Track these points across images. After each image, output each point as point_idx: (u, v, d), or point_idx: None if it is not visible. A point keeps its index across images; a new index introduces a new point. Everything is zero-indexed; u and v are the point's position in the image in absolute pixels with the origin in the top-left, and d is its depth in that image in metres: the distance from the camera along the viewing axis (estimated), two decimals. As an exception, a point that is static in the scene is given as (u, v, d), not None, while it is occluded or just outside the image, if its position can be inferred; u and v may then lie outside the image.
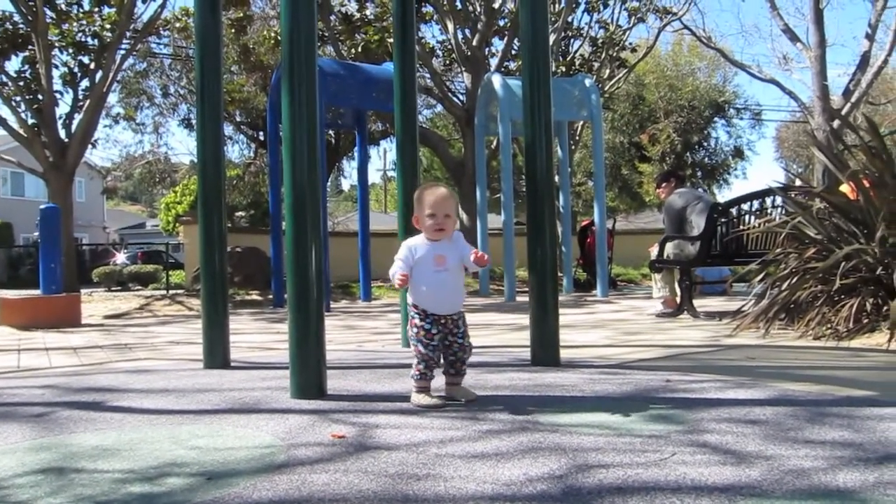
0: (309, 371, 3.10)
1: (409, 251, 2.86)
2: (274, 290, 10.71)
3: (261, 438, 2.39)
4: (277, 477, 1.96)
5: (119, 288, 18.65)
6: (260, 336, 6.38)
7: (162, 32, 19.52)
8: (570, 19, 18.20)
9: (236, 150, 26.51)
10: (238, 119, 22.55)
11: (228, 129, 23.16)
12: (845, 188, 5.57)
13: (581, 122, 18.45)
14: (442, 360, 2.89)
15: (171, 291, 13.74)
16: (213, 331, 4.09)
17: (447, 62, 19.16)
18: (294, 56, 3.18)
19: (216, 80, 4.18)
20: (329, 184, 30.20)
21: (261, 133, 21.69)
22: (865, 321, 4.91)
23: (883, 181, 5.01)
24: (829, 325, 4.98)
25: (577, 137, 19.80)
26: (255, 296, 11.90)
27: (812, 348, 4.58)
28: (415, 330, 2.84)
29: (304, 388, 3.07)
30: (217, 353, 4.07)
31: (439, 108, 23.30)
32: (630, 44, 20.56)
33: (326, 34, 14.94)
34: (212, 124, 4.14)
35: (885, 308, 4.83)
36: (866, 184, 5.13)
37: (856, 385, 3.18)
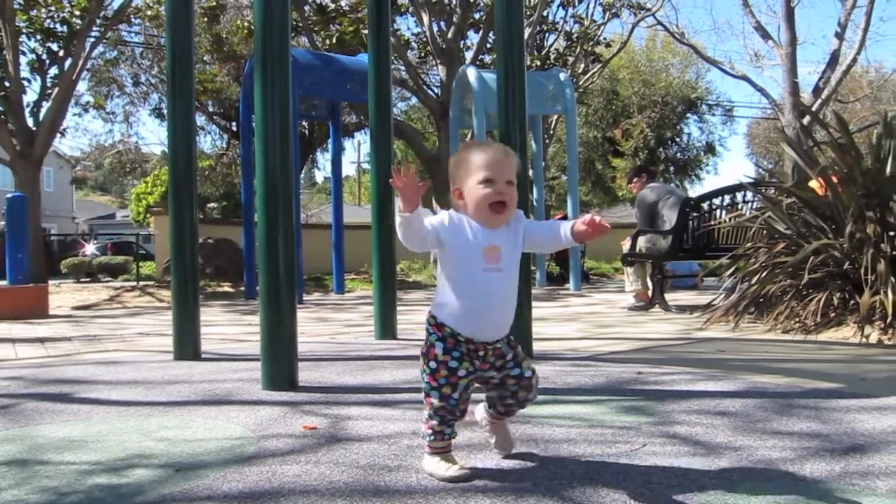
0: (280, 363, 3.08)
1: (449, 225, 1.87)
2: (246, 281, 10.63)
3: (231, 430, 2.37)
4: (247, 468, 1.94)
5: (88, 279, 18.38)
6: (231, 328, 6.33)
7: (133, 20, 19.22)
8: (545, 13, 18.24)
9: (209, 141, 26.27)
10: (211, 109, 22.32)
11: (201, 120, 22.93)
12: (815, 184, 5.64)
13: (555, 117, 18.50)
14: (491, 399, 2.00)
15: (141, 283, 13.57)
16: (184, 322, 4.05)
17: (422, 55, 19.10)
18: (267, 46, 3.15)
19: (188, 69, 4.13)
20: (302, 176, 30.05)
21: (233, 124, 21.49)
22: (833, 315, 4.99)
23: (851, 177, 5.08)
24: (797, 319, 5.05)
25: (552, 131, 19.87)
26: (226, 287, 11.80)
27: (781, 341, 4.64)
28: (431, 366, 1.86)
29: (275, 379, 3.06)
30: (187, 345, 4.04)
31: (414, 100, 23.24)
32: (604, 39, 20.64)
33: (301, 24, 14.83)
34: (183, 114, 4.09)
35: (852, 302, 4.90)
36: (835, 180, 5.20)
37: (823, 378, 3.23)
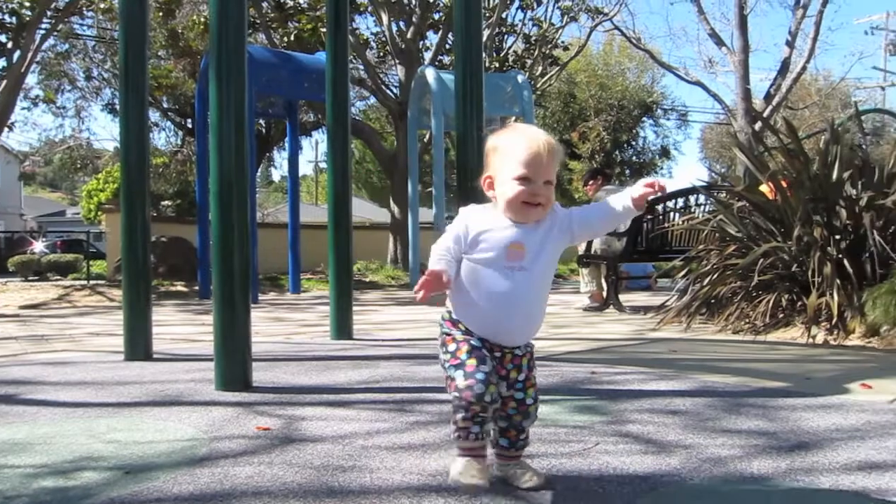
0: (234, 363, 3.05)
1: (465, 229, 1.72)
2: (200, 281, 10.48)
3: (183, 431, 2.33)
4: (199, 470, 1.92)
5: (36, 277, 17.95)
6: (184, 327, 6.24)
7: (85, 13, 18.81)
8: (504, 15, 18.32)
9: (163, 138, 25.81)
10: (165, 105, 21.95)
11: (155, 116, 22.54)
12: (765, 188, 5.77)
13: (513, 118, 18.60)
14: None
15: (91, 281, 13.28)
16: (135, 321, 3.98)
17: (381, 54, 19.03)
18: (223, 42, 3.11)
19: (142, 64, 4.06)
20: (259, 174, 29.71)
21: (189, 120, 21.17)
22: (781, 316, 5.10)
23: (800, 182, 5.20)
24: (747, 320, 5.15)
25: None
26: (180, 287, 11.61)
27: (731, 342, 4.74)
28: (450, 348, 1.72)
29: (229, 380, 3.02)
30: (139, 345, 3.96)
31: (372, 100, 23.15)
32: (562, 42, 20.83)
33: (258, 21, 14.66)
34: (136, 110, 4.02)
35: (800, 304, 5.02)
36: (784, 184, 5.32)
37: (771, 377, 3.31)
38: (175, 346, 4.68)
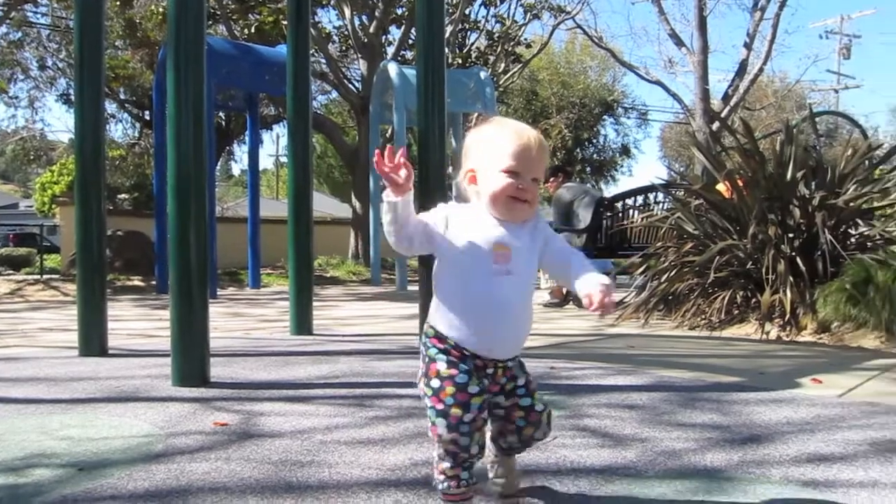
0: (192, 358, 3.02)
1: (444, 218, 1.58)
2: (157, 275, 10.32)
3: (138, 427, 2.30)
4: (155, 466, 1.90)
5: (-13, 272, 17.52)
6: (141, 323, 6.14)
7: (39, 1, 18.39)
8: (467, 12, 18.34)
9: (120, 129, 25.33)
10: (123, 97, 21.53)
11: (112, 107, 22.10)
12: (721, 187, 5.87)
13: (475, 115, 18.65)
14: (492, 433, 1.67)
15: (45, 276, 13.00)
16: (90, 317, 3.91)
17: (343, 48, 18.91)
18: (181, 33, 3.07)
19: (97, 54, 3.98)
20: (219, 168, 29.37)
21: (146, 112, 20.80)
22: (736, 312, 5.20)
23: (756, 181, 5.30)
24: (703, 316, 5.25)
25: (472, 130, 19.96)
26: (137, 281, 11.43)
27: (687, 337, 4.82)
28: (433, 385, 1.53)
29: (186, 375, 2.99)
30: (93, 340, 3.89)
31: (334, 94, 22.99)
32: (525, 39, 20.89)
33: (218, 12, 14.47)
34: (92, 101, 3.94)
35: (754, 300, 5.12)
36: (740, 183, 5.42)
37: (725, 372, 3.37)
38: (131, 342, 4.60)
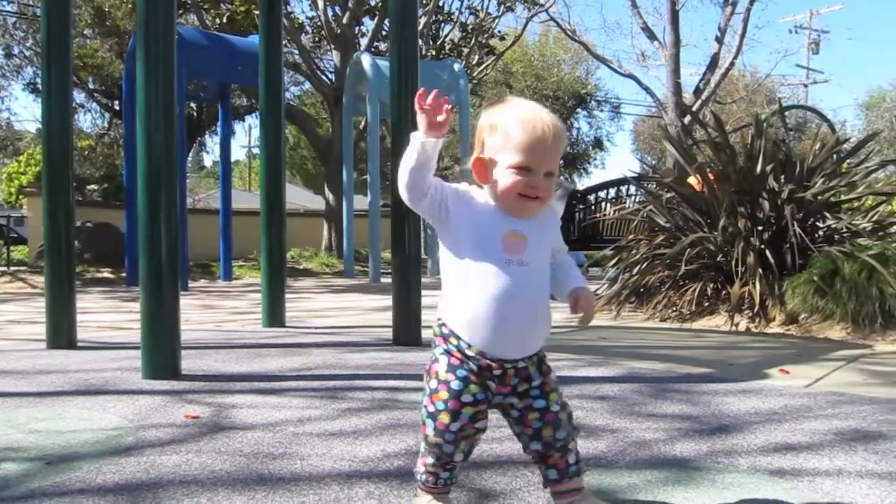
0: (162, 351, 2.99)
1: (462, 198, 1.48)
2: (127, 267, 10.21)
3: (107, 420, 2.28)
4: (124, 459, 1.88)
5: (-48, 263, 17.19)
6: (111, 315, 6.07)
7: (5, -12, 18.02)
8: (441, 3, 18.30)
9: (89, 119, 24.98)
10: (92, 86, 21.20)
11: (81, 97, 21.76)
12: (693, 180, 5.93)
13: (449, 107, 18.61)
14: (523, 447, 1.56)
15: (12, 268, 12.80)
16: (58, 309, 3.86)
17: (316, 39, 18.78)
18: (151, 22, 3.03)
19: (65, 42, 3.92)
20: (190, 159, 29.01)
21: (116, 102, 20.51)
22: (707, 304, 5.27)
23: (726, 174, 5.36)
24: (674, 308, 5.30)
25: (445, 122, 19.92)
26: (106, 273, 11.30)
27: (659, 329, 4.86)
28: (431, 385, 1.48)
29: (156, 368, 2.96)
30: (62, 333, 3.84)
31: (307, 85, 22.84)
32: (499, 32, 20.93)
33: (189, 1, 14.30)
34: (60, 90, 3.88)
35: (724, 292, 5.19)
36: (711, 177, 5.48)
37: (696, 363, 3.41)
38: (101, 335, 4.55)
